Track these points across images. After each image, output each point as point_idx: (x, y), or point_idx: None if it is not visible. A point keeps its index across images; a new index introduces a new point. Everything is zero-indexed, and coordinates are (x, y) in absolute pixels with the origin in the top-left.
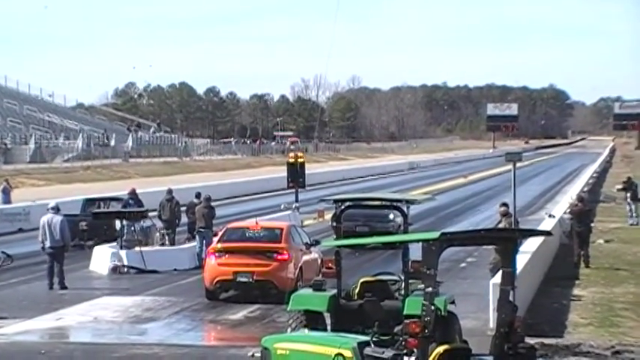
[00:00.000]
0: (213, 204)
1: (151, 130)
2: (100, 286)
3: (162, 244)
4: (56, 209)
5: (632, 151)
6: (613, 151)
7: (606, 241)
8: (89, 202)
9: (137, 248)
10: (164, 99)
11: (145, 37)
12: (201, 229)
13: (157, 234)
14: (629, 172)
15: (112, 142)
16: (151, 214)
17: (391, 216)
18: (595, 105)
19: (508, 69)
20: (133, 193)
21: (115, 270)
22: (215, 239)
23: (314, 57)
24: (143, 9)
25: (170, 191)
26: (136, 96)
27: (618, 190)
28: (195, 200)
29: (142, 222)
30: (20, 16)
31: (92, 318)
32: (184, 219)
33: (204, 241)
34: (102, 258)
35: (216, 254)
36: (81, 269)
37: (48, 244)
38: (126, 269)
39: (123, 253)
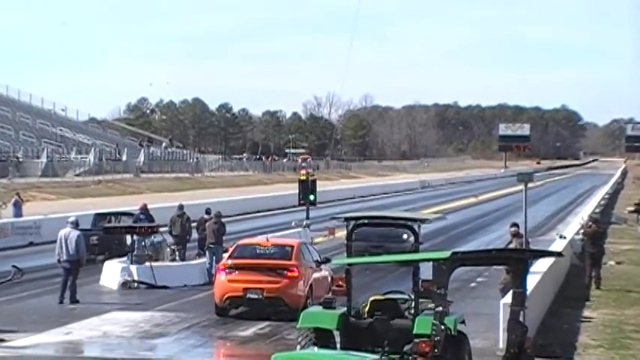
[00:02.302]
0: (223, 220)
1: (163, 145)
2: (110, 300)
3: (173, 260)
4: (75, 224)
5: None
6: (625, 172)
7: (617, 263)
8: (100, 216)
9: (147, 263)
10: (176, 114)
11: (159, 53)
12: (211, 245)
13: (168, 249)
14: None
15: (124, 157)
16: (161, 229)
17: (405, 236)
18: (607, 126)
19: (521, 89)
20: (144, 209)
21: (125, 285)
22: (225, 255)
23: (326, 74)
24: (157, 25)
25: (181, 207)
26: (148, 111)
27: (630, 212)
28: (206, 216)
29: (152, 237)
30: (36, 30)
31: (101, 333)
32: (195, 235)
33: (214, 257)
34: (112, 273)
35: (227, 270)
36: (91, 284)
37: (64, 257)
38: (136, 284)
39: (133, 268)
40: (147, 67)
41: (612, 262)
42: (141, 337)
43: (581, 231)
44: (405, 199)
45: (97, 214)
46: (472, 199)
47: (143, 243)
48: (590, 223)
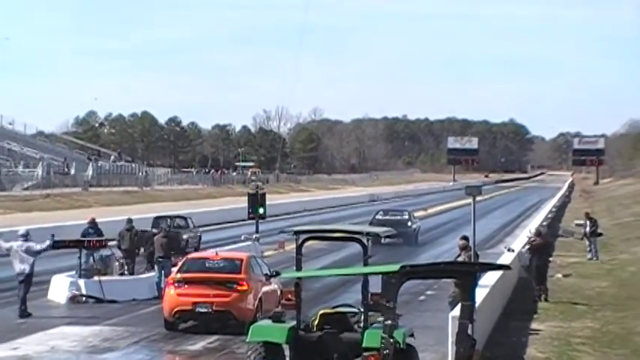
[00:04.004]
0: (173, 233)
1: (112, 158)
2: (58, 315)
3: (122, 274)
4: (25, 236)
5: (591, 186)
6: (572, 186)
7: (565, 276)
8: (159, 219)
9: (96, 277)
10: (125, 128)
11: (107, 67)
12: (160, 259)
13: (116, 263)
14: (587, 207)
15: (73, 171)
16: (110, 243)
17: (410, 222)
18: (554, 140)
19: (469, 103)
20: (92, 222)
21: (73, 299)
22: (174, 269)
23: (276, 88)
24: (106, 38)
25: (130, 220)
26: (96, 125)
27: (577, 225)
28: (155, 230)
29: (101, 251)
30: None
31: (49, 347)
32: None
33: (163, 271)
34: (60, 287)
35: (176, 284)
36: (39, 298)
37: (17, 270)
38: (84, 299)
39: (81, 282)
40: (95, 80)
41: (559, 275)
42: (89, 351)
43: (528, 245)
44: (355, 212)
45: (157, 217)
46: (421, 212)
47: (92, 257)
48: (534, 237)
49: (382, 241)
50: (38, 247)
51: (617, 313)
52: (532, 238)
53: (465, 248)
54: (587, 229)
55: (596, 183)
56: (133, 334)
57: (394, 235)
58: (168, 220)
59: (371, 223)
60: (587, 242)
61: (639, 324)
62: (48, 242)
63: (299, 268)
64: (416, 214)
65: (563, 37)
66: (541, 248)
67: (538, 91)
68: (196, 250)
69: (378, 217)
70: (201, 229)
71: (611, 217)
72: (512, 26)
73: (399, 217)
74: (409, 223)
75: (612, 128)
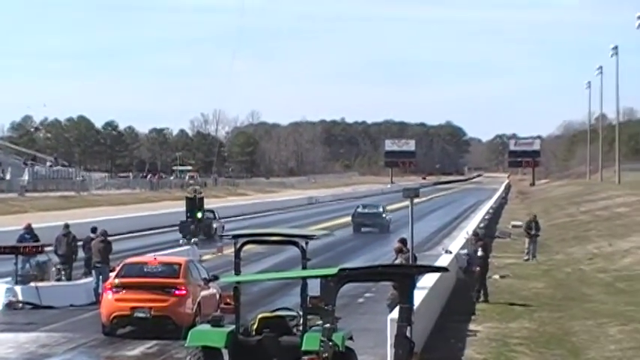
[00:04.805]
0: (110, 239)
1: (48, 164)
2: None
3: (59, 280)
4: None
5: (527, 187)
6: (508, 187)
7: (502, 277)
8: None
9: (32, 283)
10: (62, 132)
11: (43, 70)
12: (97, 265)
13: (53, 269)
14: (524, 208)
15: (8, 176)
16: (47, 248)
17: (384, 215)
18: (491, 142)
19: (406, 106)
20: (28, 228)
21: (9, 306)
22: (112, 274)
23: (213, 92)
24: (40, 42)
25: (67, 226)
26: (32, 129)
27: (514, 226)
28: (92, 235)
29: (37, 257)
30: None
31: None
32: (81, 254)
33: (100, 277)
34: None
35: (114, 289)
36: None
37: None
38: (21, 305)
39: (18, 288)
40: (31, 84)
41: (496, 276)
42: (26, 358)
43: (481, 244)
44: (294, 215)
45: None
46: None
47: (28, 263)
48: (473, 237)
49: (362, 229)
50: None
51: (554, 313)
52: (472, 240)
53: (400, 251)
54: (533, 230)
55: (533, 184)
56: (71, 340)
57: (371, 224)
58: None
59: (353, 216)
60: (526, 243)
61: (575, 324)
62: None
63: (238, 272)
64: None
65: (498, 40)
66: (484, 248)
67: (474, 94)
68: (221, 238)
69: (359, 210)
70: (139, 233)
71: (548, 218)
72: (448, 29)
73: (375, 211)
74: (383, 215)
75: (547, 130)
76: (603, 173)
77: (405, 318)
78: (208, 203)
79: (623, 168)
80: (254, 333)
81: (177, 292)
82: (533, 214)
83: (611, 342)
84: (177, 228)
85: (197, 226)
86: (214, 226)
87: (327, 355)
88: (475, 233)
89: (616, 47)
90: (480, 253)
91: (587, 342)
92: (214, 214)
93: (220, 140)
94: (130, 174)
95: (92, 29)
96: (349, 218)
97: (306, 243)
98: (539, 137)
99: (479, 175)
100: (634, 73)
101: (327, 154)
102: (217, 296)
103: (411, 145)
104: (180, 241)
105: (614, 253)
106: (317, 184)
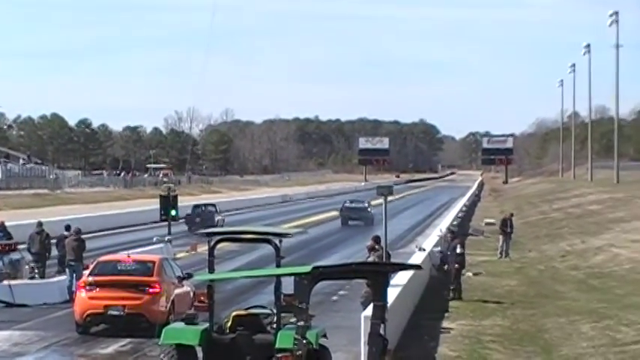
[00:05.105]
0: (83, 236)
1: (21, 161)
2: None
3: (32, 278)
4: None
5: (500, 185)
6: (481, 185)
7: (475, 274)
8: (196, 207)
9: (5, 282)
10: (35, 130)
11: (17, 68)
12: (71, 263)
13: (27, 267)
14: (497, 205)
15: None
16: (20, 246)
17: (369, 209)
18: (464, 139)
19: (380, 104)
20: (1, 226)
21: None
22: (86, 272)
23: (188, 89)
24: (15, 40)
25: (40, 224)
26: (5, 127)
27: (487, 223)
28: (65, 233)
29: (10, 255)
30: None
31: None
32: (54, 252)
33: (74, 275)
34: None
35: (87, 287)
36: None
37: None
38: None
39: None
40: (4, 82)
41: (470, 274)
42: None
43: (457, 242)
44: (267, 213)
45: (195, 205)
46: (333, 213)
47: (1, 261)
48: (450, 236)
49: (349, 222)
50: None
51: (527, 310)
52: (447, 236)
53: (373, 249)
54: (509, 228)
55: (506, 182)
56: (44, 339)
57: (357, 217)
58: (203, 207)
59: (341, 210)
60: (500, 241)
61: (548, 321)
62: None
63: (211, 270)
64: (329, 214)
65: (472, 38)
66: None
67: (448, 92)
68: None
69: (346, 204)
70: (113, 231)
71: (520, 216)
72: (422, 28)
73: (361, 205)
74: (369, 209)
75: (520, 128)
76: (576, 171)
77: (379, 316)
78: (182, 201)
79: (595, 165)
80: (228, 331)
81: (151, 290)
82: (510, 212)
83: (584, 339)
84: (183, 220)
85: (201, 219)
86: (217, 218)
87: (301, 352)
88: (451, 230)
89: (588, 45)
90: (459, 250)
91: (559, 339)
92: (215, 208)
93: (194, 138)
94: (104, 172)
95: (64, 28)
96: (323, 216)
97: (280, 241)
98: (512, 135)
99: (452, 173)
100: (606, 72)
101: (301, 152)
102: (191, 294)
103: (384, 143)
104: (154, 239)
105: (587, 250)
106: (291, 182)
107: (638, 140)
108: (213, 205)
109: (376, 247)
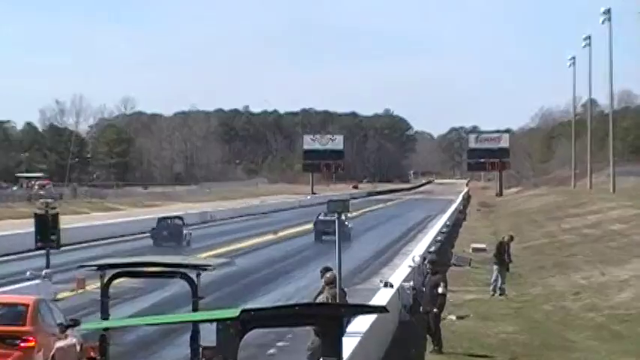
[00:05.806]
0: None
1: None
2: None
3: None
4: None
5: (492, 197)
6: (467, 198)
7: (459, 318)
8: (162, 219)
9: None
10: None
11: None
12: None
13: None
14: (488, 225)
15: None
16: None
17: (346, 222)
18: (444, 137)
19: (331, 90)
20: None
21: None
22: None
23: (73, 73)
24: None
25: None
26: None
27: (475, 249)
28: None
29: None
30: None
31: None
32: None
33: None
34: None
35: None
36: None
37: None
38: None
39: None
40: None
41: (453, 317)
42: None
43: (438, 278)
44: None
45: (161, 218)
46: (270, 236)
47: None
48: (431, 269)
49: (322, 238)
50: None
51: None
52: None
53: (330, 283)
54: (507, 256)
55: (500, 194)
56: None
57: (332, 232)
58: (170, 220)
59: (315, 224)
60: (494, 273)
61: None
62: None
63: (105, 315)
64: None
65: (451, 4)
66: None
67: (422, 75)
68: (188, 244)
69: (320, 218)
70: None
71: (520, 239)
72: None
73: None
74: (346, 223)
75: (519, 122)
76: (593, 178)
77: None
78: (65, 222)
79: (618, 172)
80: None
81: (23, 343)
82: (509, 235)
83: None
84: (148, 234)
85: (169, 232)
86: (184, 232)
87: None
88: (431, 261)
89: (608, 10)
90: (441, 289)
91: None
92: (182, 221)
93: (81, 136)
94: None
95: None
96: (256, 240)
97: (198, 275)
98: (508, 131)
99: (429, 182)
100: (632, 46)
101: (226, 155)
102: (77, 348)
103: (337, 143)
104: (28, 274)
105: (608, 284)
106: (213, 195)
107: None
108: (180, 217)
109: (333, 280)
